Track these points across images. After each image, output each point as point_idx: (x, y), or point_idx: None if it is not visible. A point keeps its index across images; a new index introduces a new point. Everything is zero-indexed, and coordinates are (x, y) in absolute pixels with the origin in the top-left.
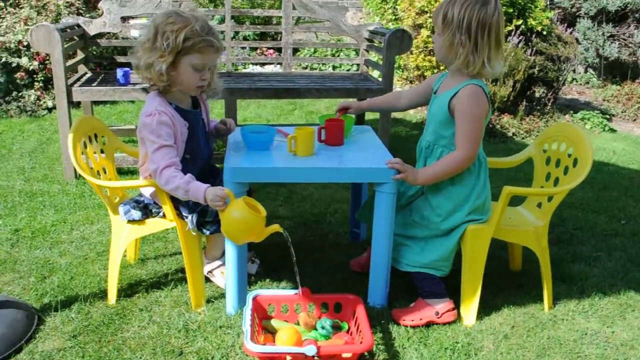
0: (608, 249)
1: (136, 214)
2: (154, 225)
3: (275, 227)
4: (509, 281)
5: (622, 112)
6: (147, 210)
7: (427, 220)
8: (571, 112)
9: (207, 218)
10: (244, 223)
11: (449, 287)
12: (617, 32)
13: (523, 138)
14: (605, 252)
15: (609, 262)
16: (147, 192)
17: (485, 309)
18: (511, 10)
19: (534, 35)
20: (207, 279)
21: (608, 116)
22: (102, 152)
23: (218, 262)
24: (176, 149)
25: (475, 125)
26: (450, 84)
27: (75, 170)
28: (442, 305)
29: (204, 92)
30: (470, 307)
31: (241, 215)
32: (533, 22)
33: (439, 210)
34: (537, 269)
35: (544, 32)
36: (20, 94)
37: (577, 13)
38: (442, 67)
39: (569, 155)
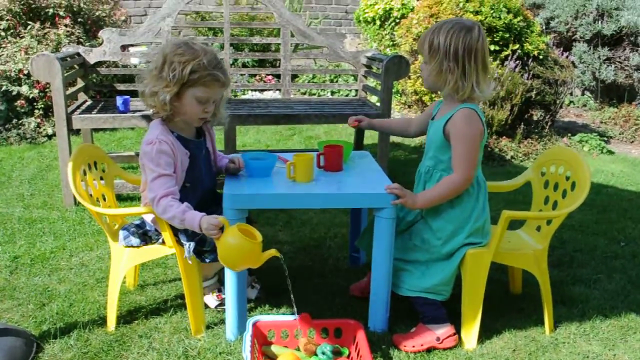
0: (608, 271)
1: (135, 241)
2: (153, 252)
3: (272, 252)
4: (510, 304)
5: (619, 134)
6: (146, 236)
7: (428, 244)
8: (569, 134)
9: (205, 247)
10: (239, 249)
11: (449, 311)
12: (613, 55)
13: (521, 161)
14: (606, 274)
15: (609, 284)
16: (149, 217)
17: (486, 332)
18: (507, 35)
19: (530, 60)
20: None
21: (606, 138)
22: (101, 179)
23: (209, 282)
24: (175, 178)
25: (470, 146)
26: (445, 109)
27: (74, 197)
28: (444, 331)
29: (209, 122)
30: (471, 332)
31: (236, 242)
32: (529, 47)
33: (440, 233)
34: (537, 291)
35: (541, 56)
36: (21, 121)
37: (573, 37)
38: (439, 92)
39: (567, 179)
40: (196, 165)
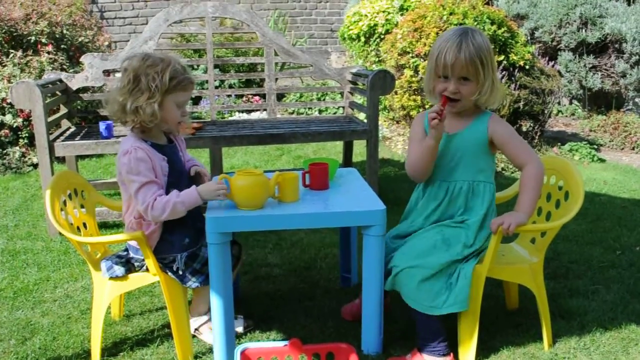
0: (605, 281)
1: (119, 270)
2: (137, 280)
3: (277, 175)
4: (507, 320)
5: (609, 141)
6: (130, 264)
7: (457, 248)
8: (559, 144)
9: (195, 264)
10: (253, 187)
11: (445, 328)
12: (599, 63)
13: (512, 172)
14: (603, 285)
15: (607, 295)
16: (133, 242)
17: (484, 350)
18: (492, 47)
19: (516, 70)
20: (194, 337)
21: (596, 146)
22: (82, 207)
23: (204, 318)
24: (158, 183)
25: (518, 136)
26: (462, 121)
27: None
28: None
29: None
30: (468, 350)
31: (246, 182)
32: (515, 57)
33: (471, 235)
34: (534, 305)
35: (527, 67)
36: (5, 151)
37: (558, 46)
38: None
39: (560, 188)
40: (175, 170)
